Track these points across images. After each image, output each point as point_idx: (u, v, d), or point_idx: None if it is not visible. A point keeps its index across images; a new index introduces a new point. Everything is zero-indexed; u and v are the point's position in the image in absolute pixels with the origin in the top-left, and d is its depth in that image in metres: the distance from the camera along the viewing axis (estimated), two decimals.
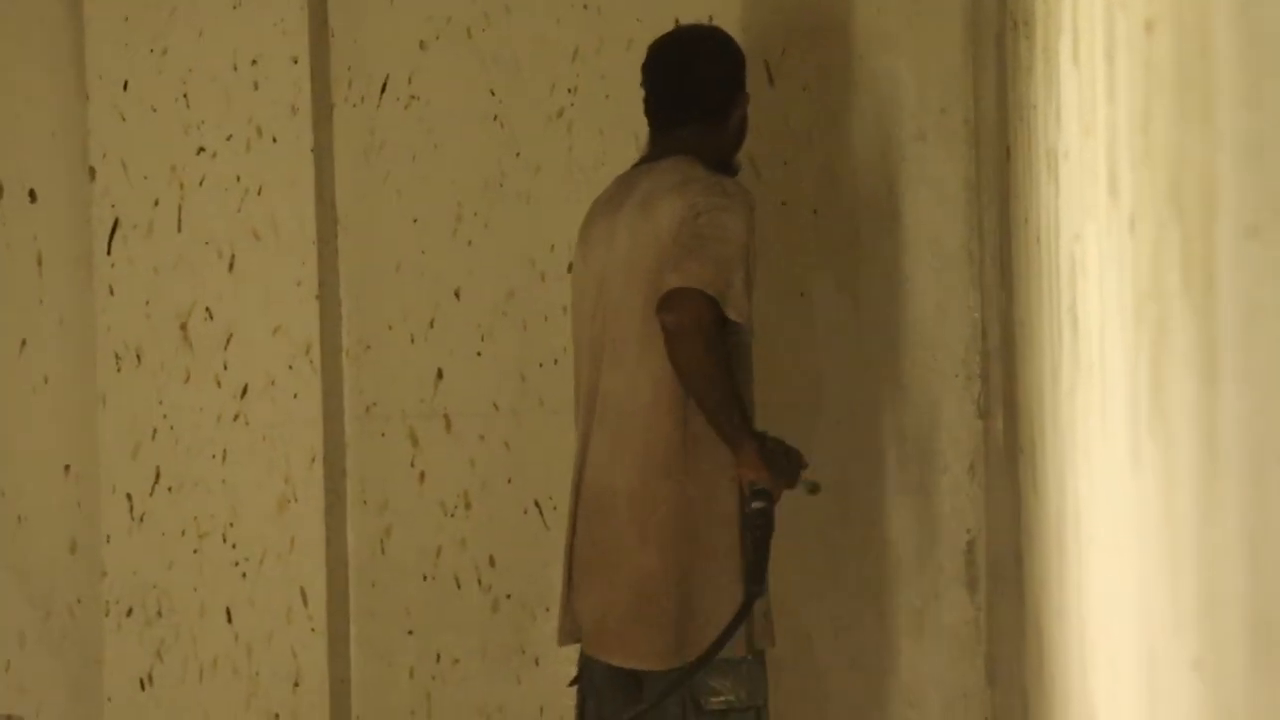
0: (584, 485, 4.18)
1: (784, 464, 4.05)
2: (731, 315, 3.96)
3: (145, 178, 5.04)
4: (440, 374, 5.11)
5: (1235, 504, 1.45)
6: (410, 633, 5.11)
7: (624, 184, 4.27)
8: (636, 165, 4.31)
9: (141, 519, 5.04)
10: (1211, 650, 1.55)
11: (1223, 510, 1.49)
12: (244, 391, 5.02)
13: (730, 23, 4.89)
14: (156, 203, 5.04)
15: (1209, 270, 1.47)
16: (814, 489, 4.19)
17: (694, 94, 4.25)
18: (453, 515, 5.10)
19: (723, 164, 4.21)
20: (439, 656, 5.10)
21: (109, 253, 5.06)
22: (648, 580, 4.06)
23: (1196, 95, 1.51)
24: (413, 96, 5.10)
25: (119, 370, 5.05)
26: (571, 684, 4.28)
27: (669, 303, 3.94)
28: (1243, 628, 1.44)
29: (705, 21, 4.82)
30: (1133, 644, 2.01)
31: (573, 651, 4.30)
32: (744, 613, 3.93)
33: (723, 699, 4.03)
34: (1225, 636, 1.52)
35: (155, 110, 5.04)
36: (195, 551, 5.03)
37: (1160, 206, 1.70)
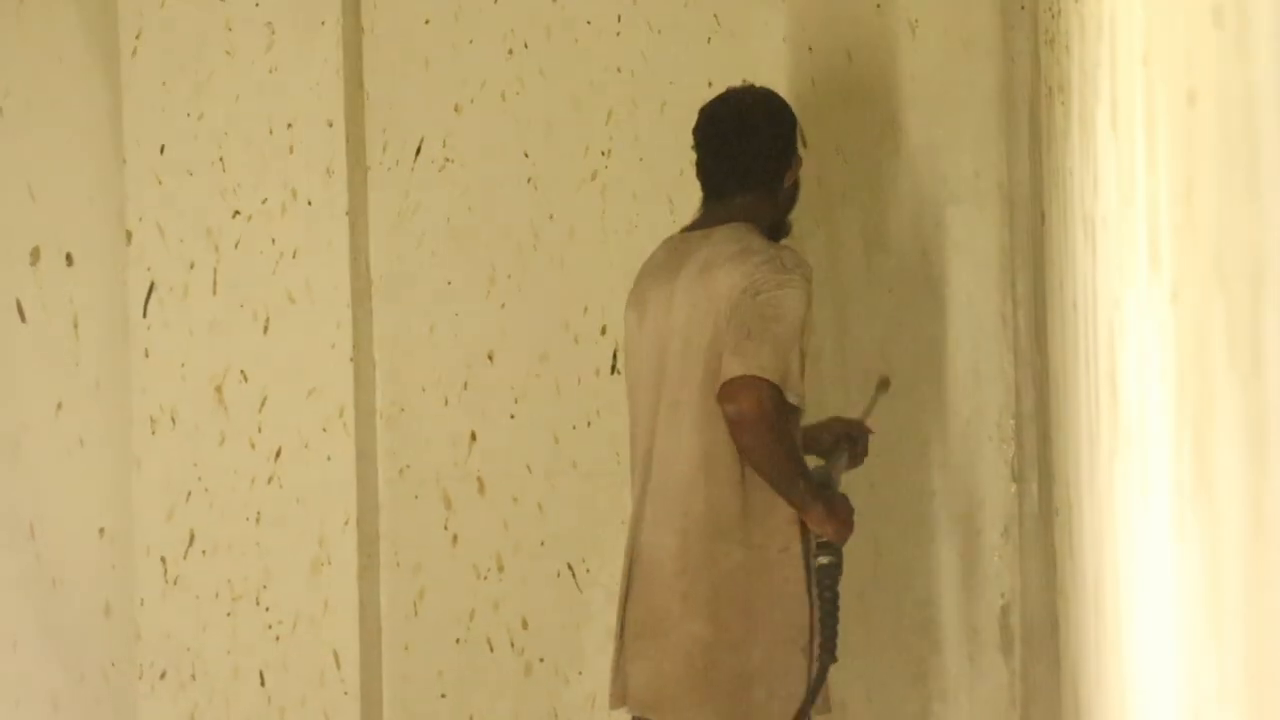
0: (637, 549, 4.19)
1: (844, 510, 4.08)
2: (793, 400, 4.02)
3: (181, 241, 5.06)
4: (473, 436, 5.11)
5: None
6: (443, 696, 5.10)
7: (679, 250, 4.27)
8: (689, 230, 4.30)
9: (175, 582, 5.04)
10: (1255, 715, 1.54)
11: (1271, 583, 1.48)
12: (278, 454, 5.03)
13: (764, 85, 4.90)
14: (192, 266, 5.06)
15: (1256, 346, 1.47)
16: (885, 385, 4.38)
17: (749, 163, 4.25)
18: (485, 578, 5.10)
19: (776, 225, 4.22)
20: (471, 719, 5.09)
21: (145, 315, 5.07)
22: (700, 647, 4.06)
23: (1241, 169, 1.51)
24: (447, 159, 5.12)
25: (154, 433, 5.06)
26: None
27: (730, 391, 4.00)
28: None
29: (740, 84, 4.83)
30: (1178, 713, 2.01)
31: (615, 714, 4.29)
32: (820, 680, 3.95)
33: None
34: (1272, 708, 1.52)
35: (191, 174, 5.06)
36: (229, 614, 5.03)
37: (1204, 279, 1.70)
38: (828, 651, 3.97)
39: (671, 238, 4.35)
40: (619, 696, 4.21)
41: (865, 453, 4.33)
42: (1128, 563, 2.60)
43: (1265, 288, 1.48)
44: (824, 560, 4.03)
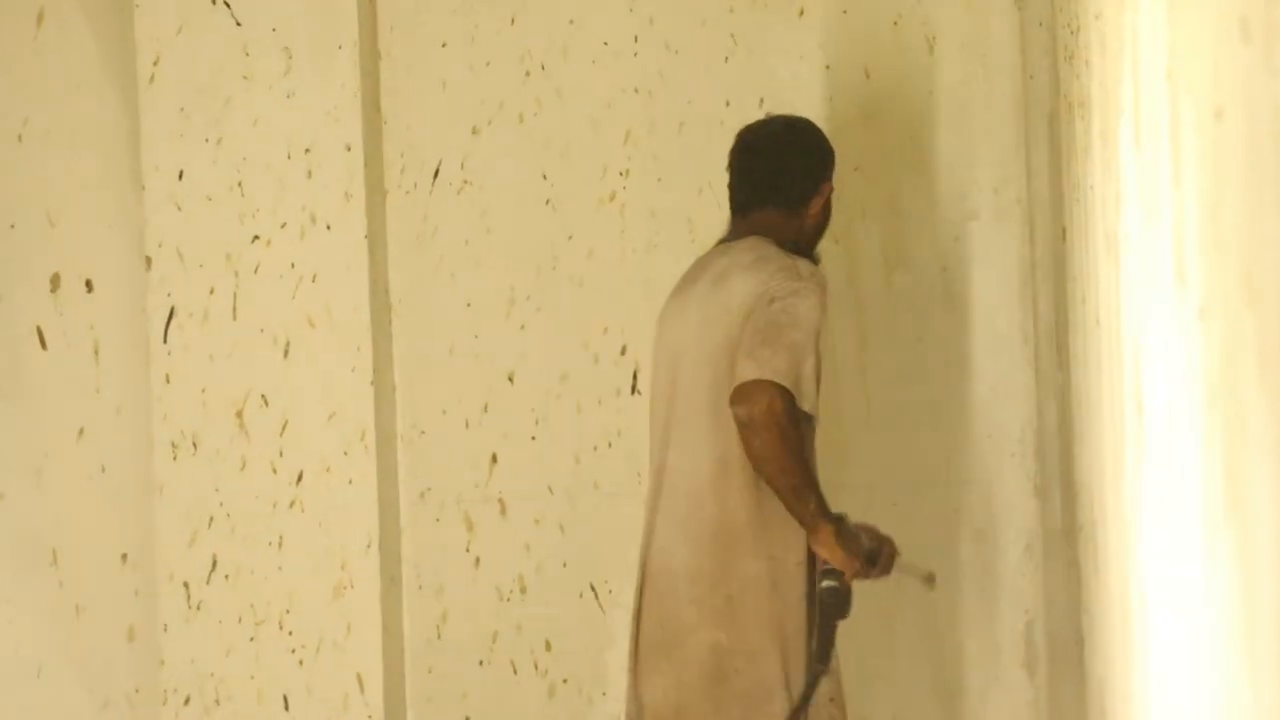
0: (649, 564, 4.18)
1: (855, 546, 4.03)
2: (805, 407, 3.99)
3: (201, 266, 5.06)
4: (494, 458, 5.11)
5: None
6: (467, 718, 5.09)
7: (701, 264, 4.30)
8: (716, 246, 4.31)
9: (199, 607, 5.04)
10: None
11: None
12: (299, 478, 5.03)
13: (780, 104, 4.90)
14: (212, 291, 5.06)
15: None
16: (929, 580, 4.24)
17: (775, 181, 4.26)
18: (508, 600, 5.09)
19: (799, 250, 4.20)
20: None
21: (165, 341, 5.07)
22: (717, 656, 4.05)
23: (1271, 184, 1.51)
24: (465, 181, 5.12)
25: (175, 458, 5.06)
26: None
27: (742, 395, 3.97)
28: None
29: (758, 104, 4.84)
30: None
31: None
32: (809, 692, 3.91)
33: None
34: None
35: (210, 199, 5.06)
36: (252, 639, 5.02)
37: (1232, 295, 1.69)
38: (820, 661, 3.94)
39: (701, 256, 4.36)
40: (634, 716, 4.19)
41: (883, 570, 4.19)
42: (1156, 581, 2.59)
43: None
44: (827, 584, 3.98)
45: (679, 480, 4.13)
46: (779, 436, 3.93)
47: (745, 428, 3.96)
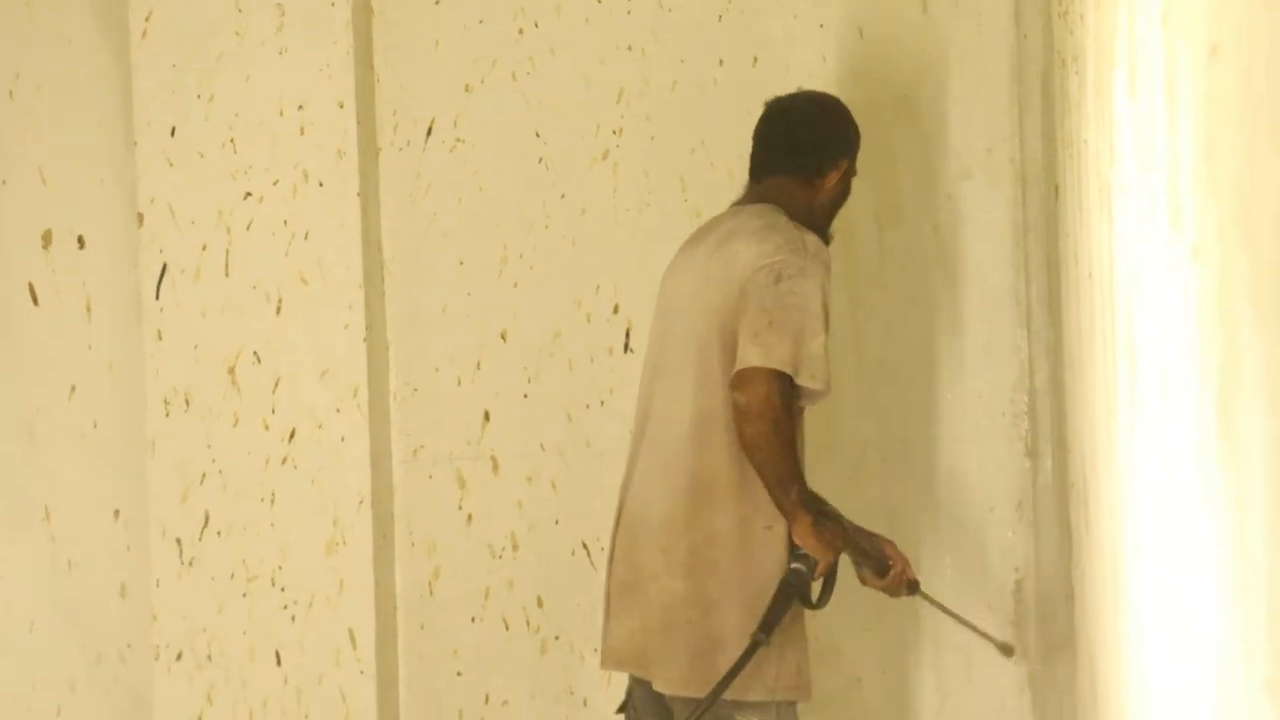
0: (625, 509, 4.24)
1: (832, 539, 4.07)
2: (814, 385, 4.03)
3: (193, 223, 5.06)
4: (487, 416, 5.12)
5: None
6: (459, 674, 5.11)
7: (711, 225, 4.33)
8: (729, 209, 4.34)
9: (191, 563, 5.05)
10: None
11: None
12: (292, 435, 5.04)
13: (774, 63, 4.90)
14: (204, 247, 5.06)
15: None
16: (1007, 651, 4.49)
17: (791, 148, 4.29)
18: (500, 557, 5.11)
19: (810, 225, 4.21)
20: (488, 698, 5.10)
21: (157, 298, 5.08)
22: (673, 605, 4.09)
23: (1264, 118, 1.51)
24: (458, 140, 5.12)
25: (168, 415, 5.06)
26: (619, 711, 4.29)
27: (742, 381, 4.01)
28: None
29: (751, 63, 4.85)
30: (1204, 669, 2.01)
31: (621, 687, 4.30)
32: (746, 658, 3.94)
33: None
34: None
35: (203, 156, 5.06)
36: (244, 595, 5.03)
37: (1227, 234, 1.69)
38: (763, 631, 3.97)
39: (713, 217, 4.38)
40: (605, 655, 4.24)
41: (892, 585, 4.31)
42: (1151, 531, 2.60)
43: None
44: (795, 566, 4.03)
45: (661, 431, 4.18)
46: (771, 427, 3.98)
47: (741, 415, 4.01)
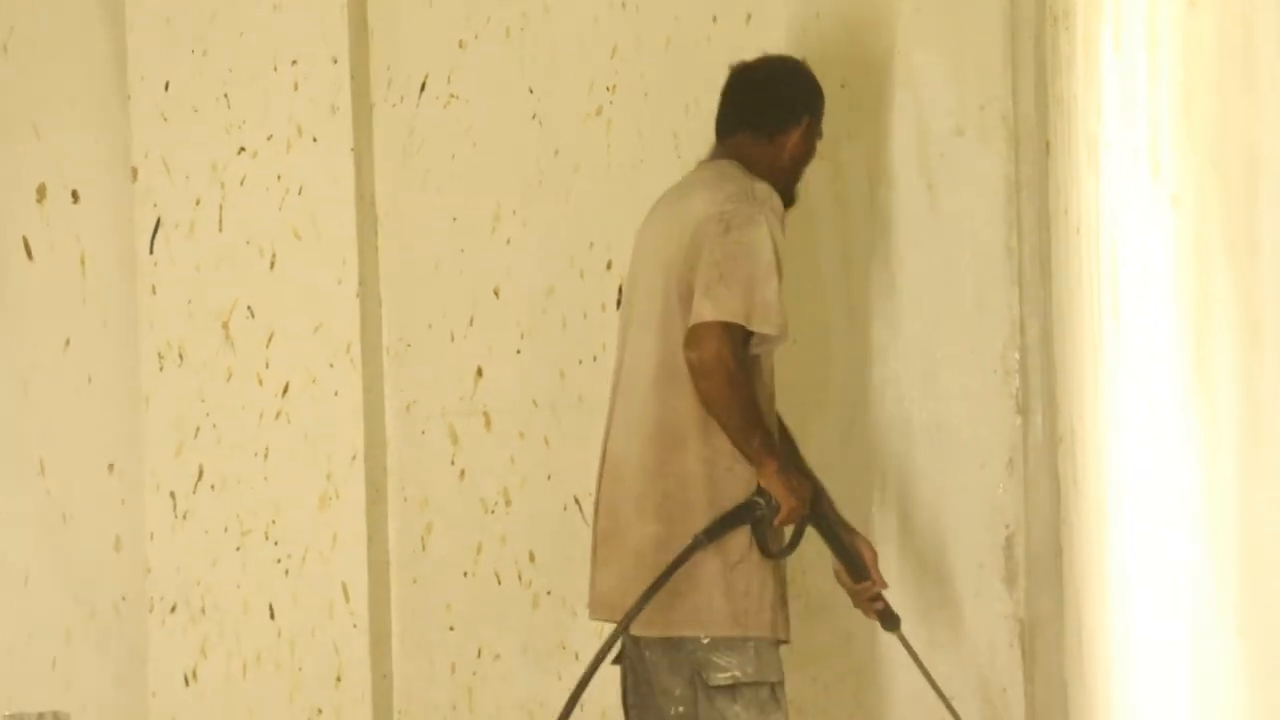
0: (605, 459, 4.33)
1: (798, 486, 4.13)
2: (768, 330, 4.11)
3: (187, 178, 5.08)
4: (480, 372, 5.13)
5: (1275, 469, 1.47)
6: (451, 629, 5.13)
7: (678, 183, 4.42)
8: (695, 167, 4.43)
9: (185, 516, 5.07)
10: (1253, 615, 1.56)
11: (1262, 476, 1.50)
12: (285, 390, 5.05)
13: (769, 20, 4.90)
14: (198, 202, 5.07)
15: (1251, 236, 1.48)
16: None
17: (751, 107, 4.39)
18: (493, 512, 5.12)
19: (774, 185, 4.27)
20: (480, 652, 5.12)
21: (151, 252, 5.09)
22: (648, 550, 4.16)
23: (1237, 62, 1.53)
24: (451, 95, 5.13)
25: (161, 369, 5.08)
26: (615, 661, 4.33)
27: (694, 339, 4.11)
28: None
29: (744, 20, 4.85)
30: (1182, 617, 2.03)
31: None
32: (681, 560, 4.01)
33: (729, 674, 4.13)
34: (1266, 601, 1.54)
35: (196, 111, 5.07)
36: (238, 549, 5.06)
37: (1204, 179, 1.71)
38: (705, 535, 4.04)
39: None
40: (591, 605, 4.34)
41: (859, 594, 4.37)
42: (1135, 482, 2.61)
43: (1260, 183, 1.50)
44: (755, 499, 4.11)
45: (631, 379, 4.27)
46: (725, 381, 4.08)
47: (695, 372, 4.11)
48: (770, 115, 4.37)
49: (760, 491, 4.13)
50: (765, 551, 4.17)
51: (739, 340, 4.10)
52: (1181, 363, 1.91)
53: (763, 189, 4.20)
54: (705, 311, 4.09)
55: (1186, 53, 1.86)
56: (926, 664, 4.63)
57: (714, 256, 4.11)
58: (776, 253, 4.13)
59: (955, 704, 4.71)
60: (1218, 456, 1.72)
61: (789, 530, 4.23)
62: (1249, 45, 1.54)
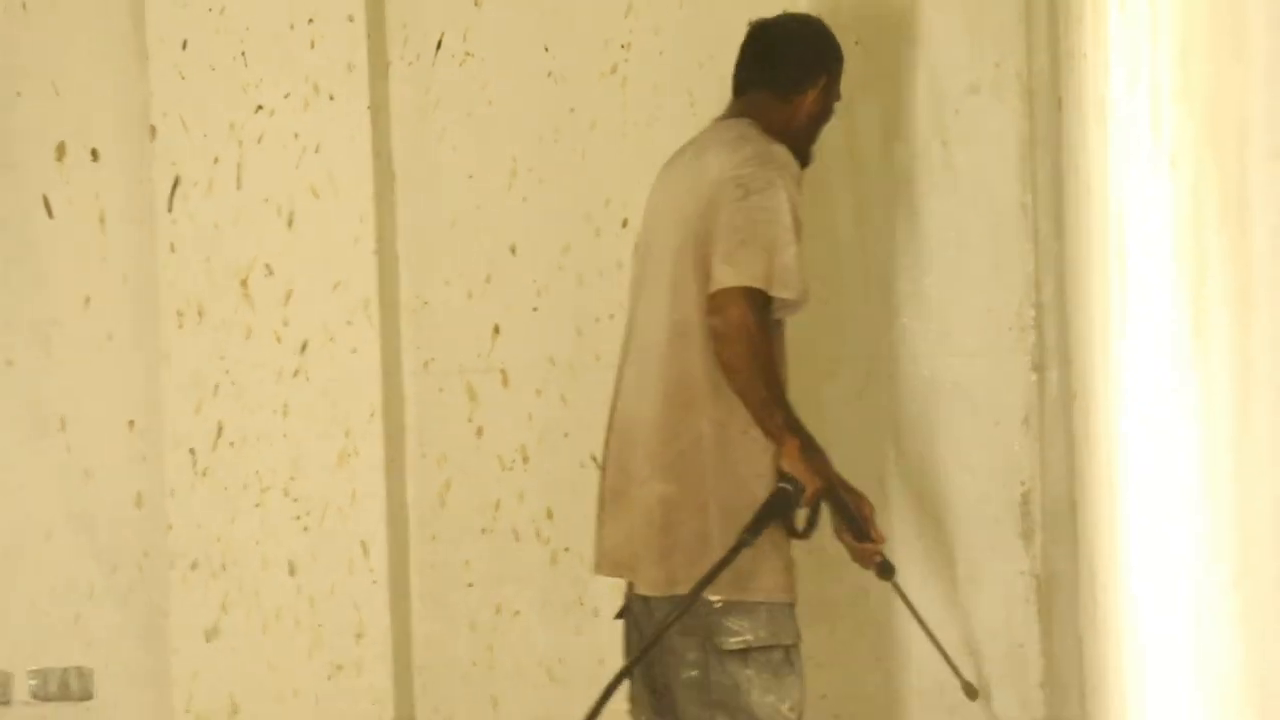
0: (614, 417, 4.33)
1: (821, 465, 4.08)
2: (788, 294, 4.07)
3: (205, 136, 5.10)
4: (497, 329, 5.15)
5: (1266, 426, 1.48)
6: (470, 585, 5.16)
7: (692, 141, 4.39)
8: (709, 125, 4.40)
9: (205, 473, 5.10)
10: (1246, 568, 1.58)
11: (1251, 432, 1.52)
12: (304, 347, 5.08)
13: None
14: (216, 160, 5.09)
15: (1242, 197, 1.50)
16: (971, 693, 4.53)
17: (768, 65, 4.36)
18: (511, 469, 5.15)
19: (789, 144, 4.25)
20: (499, 609, 5.15)
21: (170, 210, 5.12)
22: (662, 506, 4.15)
23: (1228, 21, 1.54)
24: (467, 53, 5.14)
25: (181, 327, 5.11)
26: (618, 616, 4.35)
27: (716, 305, 4.07)
28: (1275, 545, 1.48)
29: None
30: (1181, 570, 2.05)
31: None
32: (729, 558, 3.98)
33: (741, 639, 4.10)
34: (1259, 554, 1.56)
35: (214, 69, 5.09)
36: (257, 505, 5.09)
37: (1199, 141, 1.72)
38: (750, 532, 4.00)
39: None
40: (598, 561, 4.32)
41: (859, 552, 4.28)
42: (1138, 437, 2.63)
43: (1250, 148, 1.51)
44: (782, 485, 4.04)
45: (643, 340, 4.26)
46: (749, 349, 4.03)
47: (717, 338, 4.07)
48: (788, 74, 4.35)
49: (783, 477, 4.06)
50: (793, 534, 4.13)
51: (761, 305, 4.06)
52: (1179, 319, 1.93)
53: (780, 152, 4.19)
54: (727, 277, 4.06)
55: (1184, 14, 1.87)
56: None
57: (734, 222, 4.09)
58: (795, 217, 4.11)
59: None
60: (1213, 413, 1.74)
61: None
62: (1240, 12, 1.55)
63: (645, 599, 4.22)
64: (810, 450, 4.07)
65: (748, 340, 4.03)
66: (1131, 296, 2.58)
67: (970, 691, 4.61)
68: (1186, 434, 1.91)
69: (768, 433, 4.06)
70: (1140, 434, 2.48)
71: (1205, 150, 1.72)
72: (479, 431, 5.16)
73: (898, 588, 4.49)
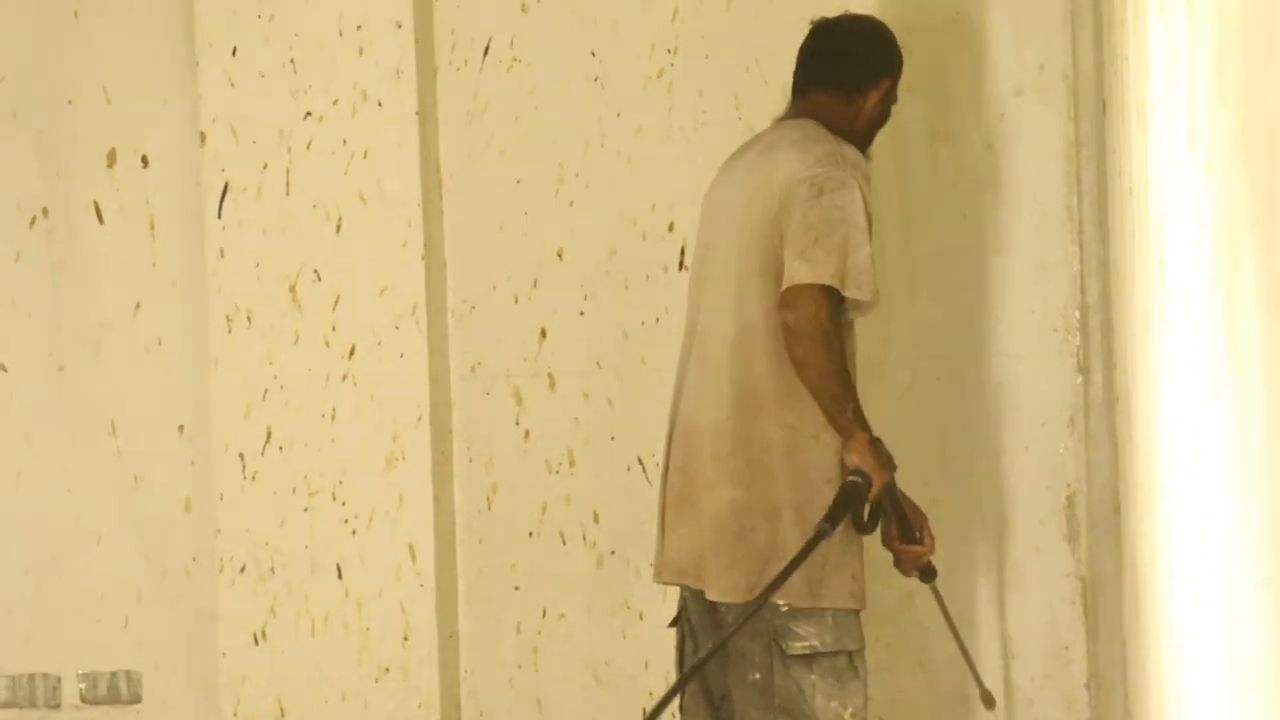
0: (678, 421, 4.29)
1: (887, 459, 4.09)
2: (861, 295, 4.07)
3: (254, 142, 5.13)
4: (544, 333, 5.17)
5: None
6: (516, 588, 5.18)
7: (753, 140, 4.38)
8: (771, 125, 4.38)
9: (253, 478, 5.13)
10: (1278, 568, 1.59)
11: None
12: (352, 352, 5.11)
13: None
14: (265, 166, 5.13)
15: (1272, 200, 1.51)
16: (988, 701, 4.54)
17: (832, 63, 4.33)
18: (557, 472, 5.17)
19: (854, 141, 4.24)
20: (545, 612, 5.17)
21: (219, 216, 5.15)
22: (733, 512, 4.13)
23: (1262, 33, 1.55)
24: (515, 59, 5.16)
25: (230, 332, 5.14)
26: (671, 624, 4.35)
27: (790, 300, 4.06)
28: None
29: None
30: (1215, 571, 2.06)
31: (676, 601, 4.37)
32: (809, 549, 3.97)
33: (806, 644, 4.09)
34: None
35: (263, 76, 5.13)
36: (306, 509, 5.12)
37: (1232, 145, 1.73)
38: (829, 521, 4.00)
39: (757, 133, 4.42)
40: (659, 568, 4.29)
41: (907, 556, 4.32)
42: (1176, 440, 2.64)
43: (1278, 153, 1.52)
44: (852, 479, 4.04)
45: (707, 341, 4.23)
46: (823, 345, 4.02)
47: (790, 334, 4.05)
48: (853, 74, 4.31)
49: (855, 472, 4.04)
50: (859, 528, 4.13)
51: (834, 304, 4.06)
52: (1213, 323, 1.94)
53: (851, 151, 4.17)
54: (801, 274, 4.05)
55: (1219, 19, 1.88)
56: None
57: (808, 220, 4.08)
58: (868, 217, 4.10)
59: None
60: (1246, 416, 1.75)
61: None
62: (1272, 15, 1.56)
63: (708, 606, 4.20)
64: (878, 445, 4.08)
65: (821, 336, 4.02)
66: (1170, 299, 2.58)
67: (988, 700, 4.61)
68: (1221, 435, 1.92)
69: (838, 427, 4.06)
70: (1178, 435, 2.49)
71: (1237, 156, 1.73)
72: (526, 435, 5.18)
73: (935, 591, 4.49)
